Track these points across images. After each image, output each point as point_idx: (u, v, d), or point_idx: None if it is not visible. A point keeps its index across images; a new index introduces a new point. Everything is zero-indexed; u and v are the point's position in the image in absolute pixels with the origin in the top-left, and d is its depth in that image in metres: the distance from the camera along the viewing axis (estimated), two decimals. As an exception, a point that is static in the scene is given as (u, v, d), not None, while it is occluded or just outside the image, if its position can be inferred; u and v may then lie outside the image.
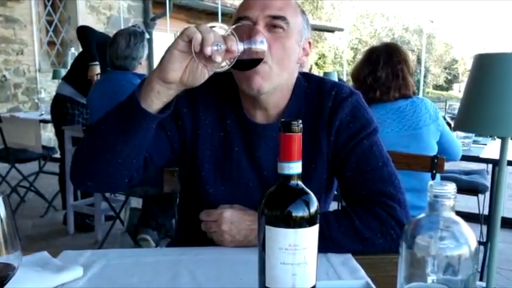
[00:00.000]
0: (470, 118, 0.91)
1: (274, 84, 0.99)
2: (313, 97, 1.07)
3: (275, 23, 0.97)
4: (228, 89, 1.07)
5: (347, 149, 1.03)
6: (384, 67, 2.00)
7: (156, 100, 0.88)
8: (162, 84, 0.86)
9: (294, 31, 0.99)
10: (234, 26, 0.88)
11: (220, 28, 0.84)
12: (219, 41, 0.80)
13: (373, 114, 1.99)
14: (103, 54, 3.19)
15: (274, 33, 0.97)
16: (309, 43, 1.07)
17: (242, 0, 1.04)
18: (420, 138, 1.99)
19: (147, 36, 2.79)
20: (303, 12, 1.05)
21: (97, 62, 3.29)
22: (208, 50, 0.78)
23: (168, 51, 0.84)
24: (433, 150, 2.02)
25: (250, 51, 0.86)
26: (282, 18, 0.97)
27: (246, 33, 0.87)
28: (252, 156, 1.05)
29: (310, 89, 1.08)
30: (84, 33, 3.43)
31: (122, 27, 3.21)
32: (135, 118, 0.89)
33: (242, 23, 0.97)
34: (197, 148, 1.06)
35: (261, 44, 0.87)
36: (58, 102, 3.44)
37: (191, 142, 1.06)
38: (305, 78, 1.09)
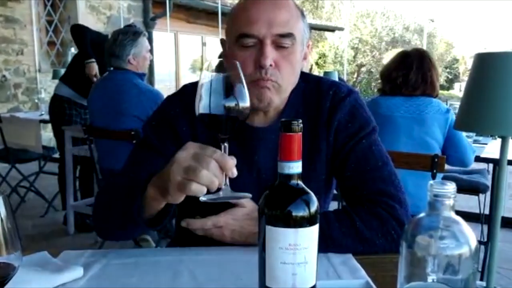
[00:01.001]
0: (470, 117, 0.91)
1: (282, 98, 1.01)
2: (311, 97, 1.06)
3: (283, 43, 0.95)
4: None
5: (347, 149, 1.03)
6: (416, 72, 2.16)
7: (161, 204, 0.85)
8: (167, 200, 0.83)
9: (298, 43, 0.99)
10: (223, 76, 0.75)
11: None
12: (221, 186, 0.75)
13: (387, 100, 2.18)
14: (98, 53, 3.18)
15: (282, 51, 0.96)
16: (308, 45, 1.07)
17: (240, 8, 0.98)
18: (424, 123, 2.09)
19: (145, 34, 2.75)
20: (302, 14, 1.03)
21: (93, 60, 3.27)
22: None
23: (171, 186, 0.76)
24: (436, 140, 2.09)
25: (235, 107, 0.75)
26: (290, 35, 0.96)
27: (232, 84, 0.76)
28: (251, 160, 1.05)
29: (308, 88, 1.07)
30: (78, 31, 3.41)
31: (122, 27, 3.20)
32: (141, 225, 0.89)
33: (245, 41, 0.95)
34: None
35: (244, 103, 0.76)
36: (56, 102, 3.44)
37: None
38: (302, 78, 1.09)
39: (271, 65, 0.95)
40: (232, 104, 0.75)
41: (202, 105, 0.75)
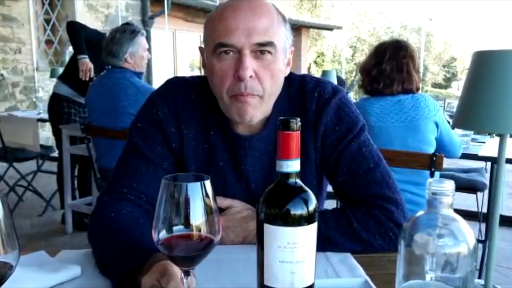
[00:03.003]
0: (469, 115, 0.91)
1: (265, 110, 0.97)
2: (295, 99, 1.03)
3: (263, 52, 0.91)
4: (209, 94, 1.01)
5: (336, 154, 1.00)
6: (389, 60, 2.05)
7: None
8: None
9: (280, 51, 0.94)
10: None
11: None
12: None
13: (373, 105, 2.09)
14: (96, 51, 3.17)
15: (262, 61, 0.92)
16: (291, 51, 1.01)
17: (217, 16, 0.93)
18: (417, 130, 2.03)
19: (143, 33, 2.73)
20: (284, 19, 0.98)
21: (85, 56, 3.24)
22: None
23: None
24: (431, 144, 2.05)
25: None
26: (269, 44, 0.91)
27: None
28: (238, 169, 1.03)
29: (292, 90, 1.03)
30: (71, 28, 3.39)
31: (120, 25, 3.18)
32: None
33: (223, 51, 0.90)
34: (184, 164, 1.03)
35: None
36: (54, 101, 3.43)
37: (179, 159, 1.03)
38: (285, 78, 1.02)
39: (251, 76, 0.90)
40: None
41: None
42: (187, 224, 0.61)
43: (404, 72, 2.04)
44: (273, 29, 0.92)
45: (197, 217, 0.61)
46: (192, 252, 0.63)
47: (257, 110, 0.95)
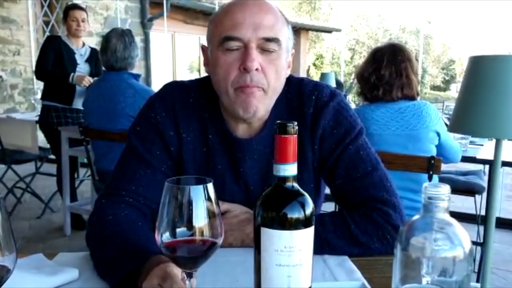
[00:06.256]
0: (465, 120, 0.91)
1: (267, 107, 0.98)
2: (294, 102, 1.03)
3: (268, 47, 0.92)
4: (208, 97, 1.02)
5: (334, 157, 1.00)
6: (388, 66, 2.03)
7: None
8: None
9: (284, 50, 0.96)
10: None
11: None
12: None
13: (374, 113, 2.09)
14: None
15: (267, 55, 0.93)
16: (292, 54, 1.02)
17: (224, 12, 0.95)
18: (418, 139, 2.01)
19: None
20: (287, 20, 0.99)
21: (74, 74, 3.27)
22: None
23: None
24: (430, 153, 2.03)
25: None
26: (275, 40, 0.93)
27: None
28: (237, 172, 1.03)
29: (290, 93, 1.03)
30: (40, 73, 3.45)
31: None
32: None
33: (230, 44, 0.92)
34: (182, 167, 1.03)
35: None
36: (44, 112, 3.43)
37: (177, 162, 1.04)
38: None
39: (256, 69, 0.91)
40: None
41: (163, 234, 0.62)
42: (190, 226, 0.62)
43: (403, 76, 2.02)
44: (278, 27, 0.94)
45: (200, 219, 0.62)
46: (195, 253, 0.63)
47: (261, 103, 0.95)
